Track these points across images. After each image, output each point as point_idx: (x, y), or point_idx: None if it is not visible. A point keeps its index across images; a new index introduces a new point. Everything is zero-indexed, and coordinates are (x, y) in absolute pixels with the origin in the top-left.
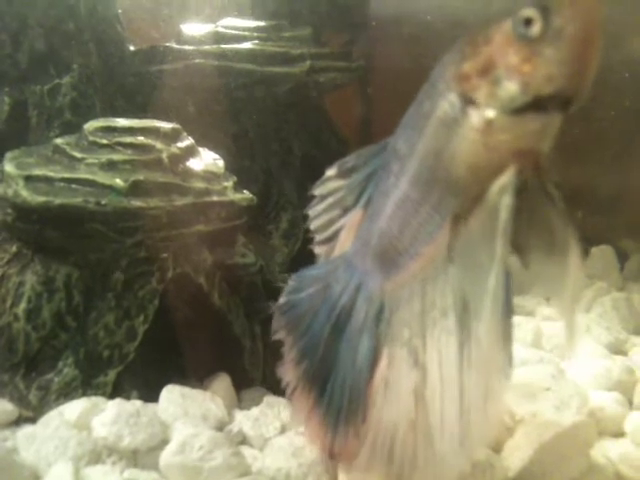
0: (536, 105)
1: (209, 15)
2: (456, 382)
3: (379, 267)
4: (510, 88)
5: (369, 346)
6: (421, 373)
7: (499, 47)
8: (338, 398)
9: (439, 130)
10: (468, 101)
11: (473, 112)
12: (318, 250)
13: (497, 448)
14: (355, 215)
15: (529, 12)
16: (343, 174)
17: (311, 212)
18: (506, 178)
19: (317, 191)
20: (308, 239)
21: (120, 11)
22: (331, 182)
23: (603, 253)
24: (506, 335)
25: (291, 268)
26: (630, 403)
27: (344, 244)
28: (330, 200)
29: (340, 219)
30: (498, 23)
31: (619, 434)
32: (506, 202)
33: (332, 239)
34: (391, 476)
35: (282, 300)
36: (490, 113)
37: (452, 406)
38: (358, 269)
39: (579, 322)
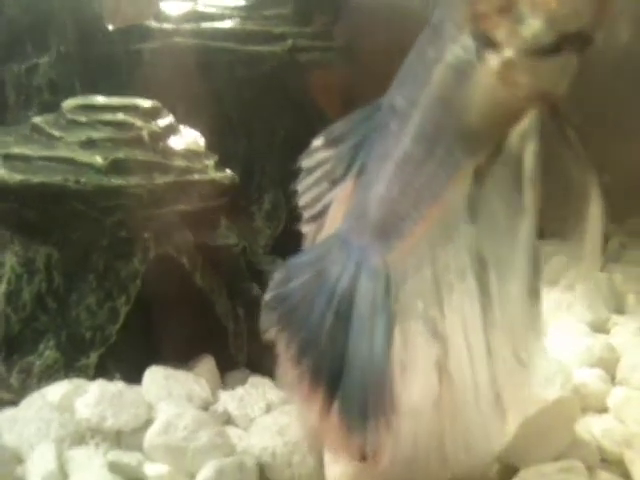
0: (558, 44)
1: None
2: (483, 347)
3: (379, 238)
4: (535, 25)
5: (385, 327)
6: (442, 344)
7: None
8: (358, 391)
9: (449, 77)
10: (485, 42)
11: (492, 54)
12: (306, 229)
13: None
14: (345, 187)
15: None
16: (330, 144)
17: (300, 187)
18: (528, 123)
19: (304, 164)
20: (293, 219)
21: None
22: (318, 153)
23: None
24: (536, 291)
25: (274, 249)
26: (612, 379)
27: (334, 220)
28: (318, 173)
29: (329, 193)
30: None
31: (602, 410)
32: (531, 148)
33: (320, 216)
34: (415, 467)
35: (270, 295)
36: (511, 53)
37: (481, 373)
38: (355, 245)
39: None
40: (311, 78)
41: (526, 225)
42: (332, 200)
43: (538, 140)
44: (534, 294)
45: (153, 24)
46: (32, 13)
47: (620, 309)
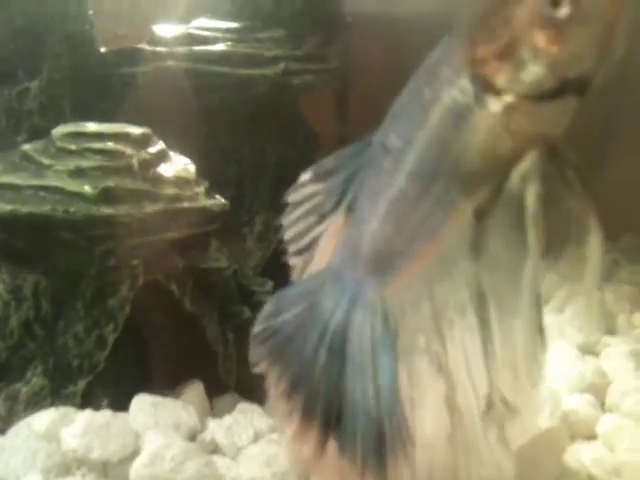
0: (559, 89)
1: (181, 15)
2: (485, 380)
3: (374, 273)
4: (536, 71)
5: (389, 362)
6: (447, 379)
7: (522, 29)
8: (367, 428)
9: (446, 119)
10: (485, 86)
11: (491, 98)
12: (293, 261)
13: None
14: (336, 221)
15: None
16: (319, 178)
17: (285, 221)
18: (528, 164)
19: (291, 198)
20: (282, 249)
21: (91, 12)
22: (306, 187)
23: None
24: (540, 327)
25: (265, 271)
26: (602, 405)
27: (325, 253)
28: (305, 207)
29: (317, 227)
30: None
31: (591, 437)
32: (533, 189)
33: (308, 249)
34: None
35: (259, 327)
36: (512, 98)
37: (474, 414)
38: (348, 279)
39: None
40: (303, 101)
41: (530, 264)
42: (321, 233)
43: (539, 181)
44: (538, 330)
45: (146, 47)
46: (24, 37)
47: (611, 330)
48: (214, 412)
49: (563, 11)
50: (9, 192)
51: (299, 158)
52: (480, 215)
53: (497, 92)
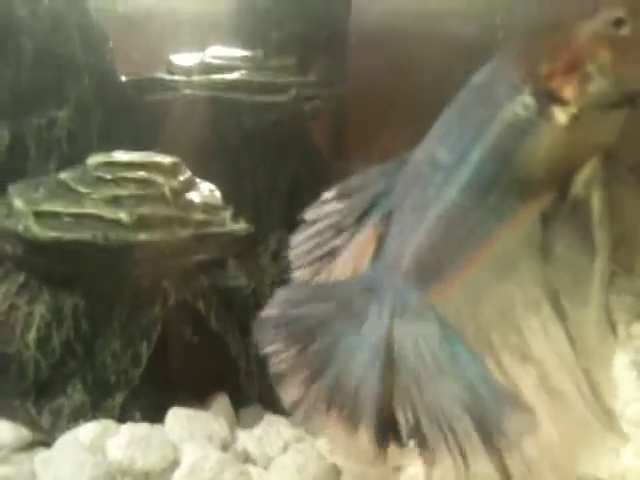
0: (620, 101)
1: (194, 44)
2: (574, 363)
3: (417, 283)
4: (602, 85)
5: (468, 356)
6: (537, 367)
7: (588, 47)
8: (466, 424)
9: (505, 134)
10: (550, 100)
11: (557, 111)
12: (298, 274)
13: None
14: (364, 234)
15: (620, 13)
16: (342, 196)
17: (294, 238)
18: (591, 171)
19: (309, 215)
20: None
21: (111, 44)
22: (327, 205)
23: None
24: (609, 316)
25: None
26: None
27: (349, 265)
28: (322, 224)
29: (333, 241)
30: (567, 27)
31: None
32: (598, 194)
33: (319, 261)
34: None
35: (274, 311)
36: (577, 110)
37: (582, 388)
38: (386, 290)
39: None
40: (314, 126)
41: (600, 261)
42: (337, 247)
43: (603, 186)
44: (608, 320)
45: (165, 76)
46: (50, 68)
47: None
48: (240, 423)
49: (625, 30)
50: (51, 220)
51: (310, 179)
52: (546, 220)
53: (563, 105)
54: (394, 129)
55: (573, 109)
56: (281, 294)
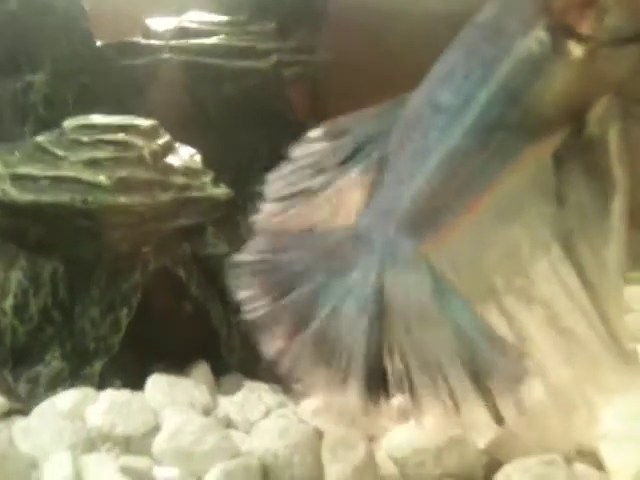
0: (636, 35)
1: (171, 9)
2: (588, 303)
3: (410, 233)
4: (618, 18)
5: (461, 305)
6: (546, 307)
7: None
8: (457, 371)
9: (518, 71)
10: (565, 35)
11: (573, 45)
12: (267, 207)
13: None
14: (349, 179)
15: None
16: (328, 136)
17: (270, 177)
18: (606, 107)
19: (293, 153)
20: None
21: (87, 8)
22: (312, 144)
23: None
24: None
25: None
26: None
27: (328, 207)
28: (303, 162)
29: (311, 179)
30: None
31: None
32: (615, 129)
33: (295, 199)
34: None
35: (251, 257)
36: (594, 45)
37: (596, 327)
38: (376, 241)
39: None
40: (294, 92)
41: (619, 197)
42: (315, 188)
43: (619, 122)
44: (624, 260)
45: (142, 40)
46: (26, 32)
47: None
48: (221, 390)
49: None
50: (28, 182)
51: (289, 146)
52: (560, 161)
53: (578, 39)
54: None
55: (589, 44)
56: (259, 240)
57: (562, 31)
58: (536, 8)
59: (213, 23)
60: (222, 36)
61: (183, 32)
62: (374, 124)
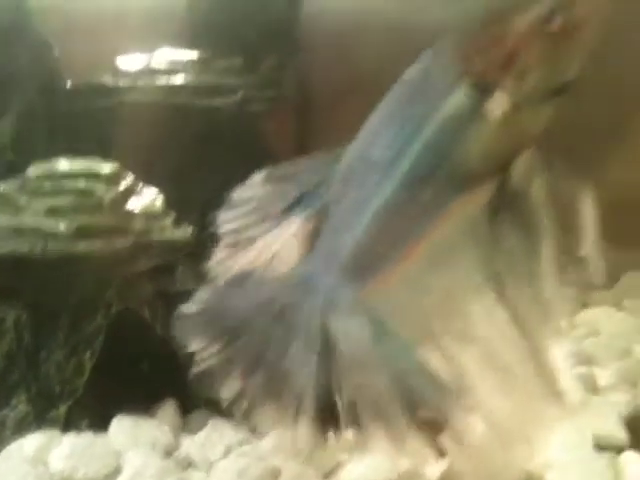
0: (555, 91)
1: (141, 45)
2: (519, 343)
3: (352, 278)
4: (538, 78)
5: (402, 346)
6: (483, 345)
7: (524, 39)
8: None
9: (446, 126)
10: (488, 93)
11: (495, 103)
12: (220, 254)
13: None
14: (292, 226)
15: (554, 6)
16: (270, 181)
17: (223, 215)
18: (529, 159)
19: (236, 194)
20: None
21: (56, 49)
22: (255, 188)
23: None
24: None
25: None
26: None
27: (271, 252)
28: (249, 205)
29: (256, 227)
30: (502, 20)
31: None
32: (539, 179)
33: (242, 245)
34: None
35: (198, 307)
36: (515, 102)
37: (521, 367)
38: (320, 285)
39: None
40: (261, 127)
41: (546, 246)
42: (260, 233)
43: (541, 173)
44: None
45: (109, 81)
46: None
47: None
48: (188, 427)
49: (557, 24)
50: None
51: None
52: (492, 210)
53: (501, 96)
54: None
55: (511, 100)
56: (202, 292)
57: (484, 89)
58: (459, 68)
59: (180, 62)
60: (189, 75)
61: (151, 71)
62: (316, 172)
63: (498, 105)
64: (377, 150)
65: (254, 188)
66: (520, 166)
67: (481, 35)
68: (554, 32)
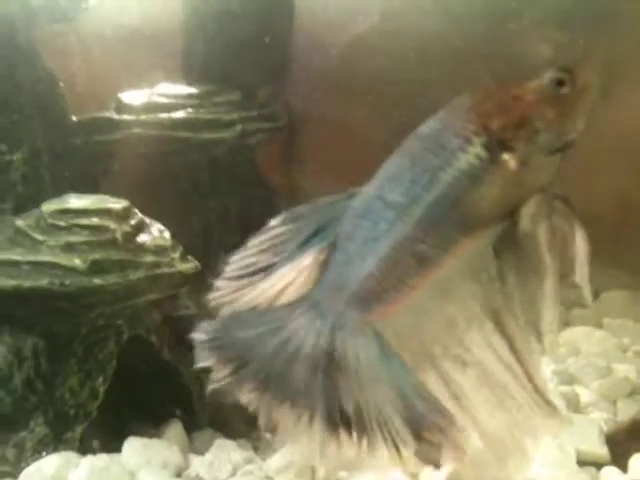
0: (561, 147)
1: (142, 81)
2: (514, 365)
3: (358, 306)
4: (547, 137)
5: (401, 367)
6: (479, 369)
7: (536, 104)
8: (399, 422)
9: (459, 180)
10: (502, 149)
11: (508, 159)
12: (221, 283)
13: None
14: (306, 259)
15: (561, 75)
16: (287, 222)
17: (233, 257)
18: (536, 206)
19: (254, 239)
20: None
21: (62, 84)
22: (272, 230)
23: None
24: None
25: None
26: None
27: (285, 284)
28: (264, 245)
29: (272, 258)
30: (513, 84)
31: None
32: (544, 224)
33: (254, 276)
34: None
35: (210, 335)
36: (526, 158)
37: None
38: (328, 312)
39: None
40: (259, 158)
41: (548, 283)
42: (275, 266)
43: (547, 217)
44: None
45: (114, 116)
46: (3, 111)
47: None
48: (193, 447)
49: (565, 89)
50: (10, 268)
51: (258, 209)
52: (498, 250)
53: (512, 153)
54: (343, 157)
55: (521, 156)
56: (215, 322)
57: (499, 146)
58: (475, 126)
59: (181, 96)
60: (190, 109)
61: (153, 106)
62: (326, 212)
63: (509, 164)
64: (393, 195)
65: (270, 230)
66: (528, 212)
67: (495, 97)
68: (562, 96)
